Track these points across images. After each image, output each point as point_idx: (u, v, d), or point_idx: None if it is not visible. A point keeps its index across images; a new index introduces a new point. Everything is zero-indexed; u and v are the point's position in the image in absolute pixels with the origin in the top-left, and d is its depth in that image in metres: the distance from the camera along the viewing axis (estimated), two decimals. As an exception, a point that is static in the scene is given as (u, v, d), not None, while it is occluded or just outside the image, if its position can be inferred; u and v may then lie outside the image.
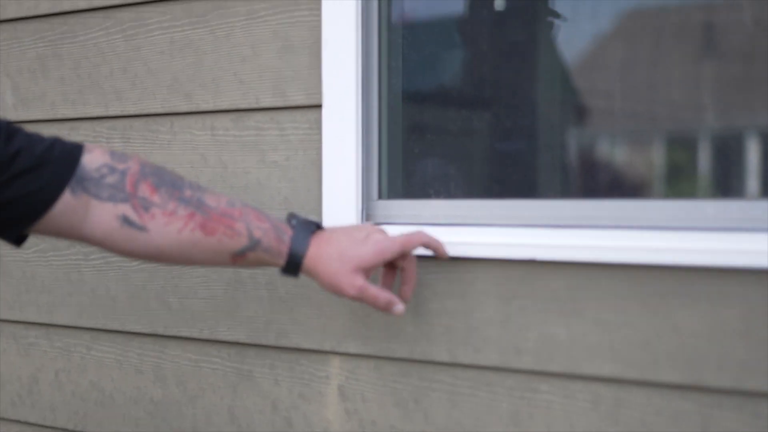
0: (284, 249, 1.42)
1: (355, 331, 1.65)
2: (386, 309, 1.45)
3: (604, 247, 1.40)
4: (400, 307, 1.45)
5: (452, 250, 1.52)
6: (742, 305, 1.32)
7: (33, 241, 2.01)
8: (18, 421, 2.08)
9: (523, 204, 1.52)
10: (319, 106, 1.67)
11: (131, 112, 1.88)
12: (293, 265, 1.43)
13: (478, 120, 1.64)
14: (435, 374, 1.57)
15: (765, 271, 1.30)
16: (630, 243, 1.38)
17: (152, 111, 1.86)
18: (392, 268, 1.51)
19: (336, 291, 1.43)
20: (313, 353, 1.70)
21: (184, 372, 1.86)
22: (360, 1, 1.61)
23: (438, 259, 1.53)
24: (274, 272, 1.72)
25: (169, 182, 1.39)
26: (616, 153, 1.54)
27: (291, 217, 1.47)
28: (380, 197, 1.65)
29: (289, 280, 1.71)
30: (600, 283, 1.42)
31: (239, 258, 1.41)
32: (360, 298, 1.43)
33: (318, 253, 1.42)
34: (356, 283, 1.41)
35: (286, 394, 1.72)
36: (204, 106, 1.79)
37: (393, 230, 1.55)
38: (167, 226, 1.37)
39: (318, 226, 1.47)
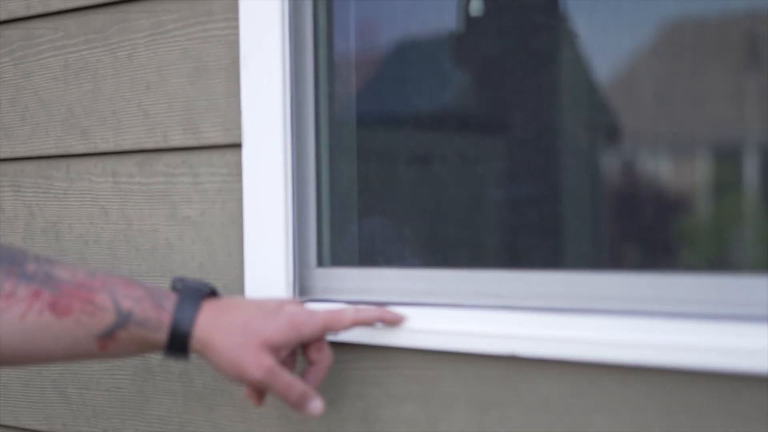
0: (166, 318, 1.05)
1: (288, 441, 1.25)
2: (299, 405, 1.07)
3: (613, 342, 1.00)
4: (318, 404, 1.08)
5: (410, 339, 1.12)
6: (813, 432, 0.91)
7: None
8: None
9: (501, 277, 1.12)
10: (238, 146, 1.27)
11: (22, 154, 1.50)
12: (179, 338, 1.05)
13: (448, 164, 1.24)
14: (390, 505, 1.17)
15: None
16: (650, 336, 0.98)
17: (45, 152, 1.47)
18: (293, 357, 1.13)
19: (236, 372, 1.05)
20: (237, 467, 1.31)
21: (86, 482, 1.47)
22: (287, 7, 1.22)
23: (390, 349, 1.14)
24: (193, 370, 1.32)
25: (5, 258, 1.02)
26: (630, 207, 1.13)
27: (177, 281, 1.11)
28: (320, 264, 1.26)
29: (208, 371, 1.32)
30: (607, 389, 1.02)
31: (108, 341, 1.04)
32: (267, 385, 1.05)
33: (213, 323, 1.05)
34: (264, 362, 1.04)
35: None
36: (103, 146, 1.41)
37: (334, 308, 1.16)
38: (5, 312, 1.02)
39: (213, 292, 1.10)
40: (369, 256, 1.26)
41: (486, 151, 1.20)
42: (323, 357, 1.10)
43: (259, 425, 1.28)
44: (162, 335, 1.05)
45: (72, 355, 1.05)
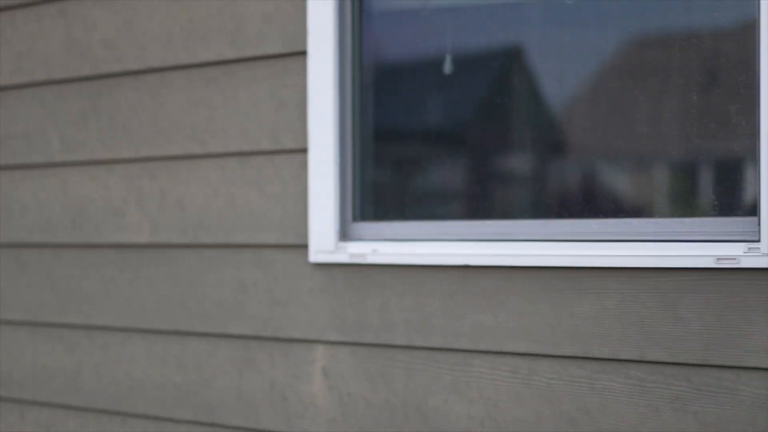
0: None
1: (335, 324, 2.13)
2: None
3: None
4: None
5: (405, 261, 2.01)
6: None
7: (78, 255, 2.49)
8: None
9: (468, 226, 2.01)
10: (305, 150, 2.15)
11: (156, 155, 2.37)
12: None
13: (443, 151, 2.13)
14: (395, 355, 2.05)
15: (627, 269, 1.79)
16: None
17: (172, 152, 2.34)
18: None
19: None
20: (302, 342, 2.18)
21: (200, 358, 2.33)
22: (337, 70, 2.10)
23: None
24: (273, 281, 2.20)
25: None
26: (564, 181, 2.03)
27: None
28: (354, 220, 2.14)
29: (285, 287, 2.19)
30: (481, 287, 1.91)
31: None
32: None
33: None
34: None
35: (282, 376, 2.20)
36: (213, 149, 2.28)
37: (360, 246, 2.04)
38: None
39: None
40: (383, 213, 2.14)
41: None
42: None
43: (316, 316, 2.16)
44: None
45: None
